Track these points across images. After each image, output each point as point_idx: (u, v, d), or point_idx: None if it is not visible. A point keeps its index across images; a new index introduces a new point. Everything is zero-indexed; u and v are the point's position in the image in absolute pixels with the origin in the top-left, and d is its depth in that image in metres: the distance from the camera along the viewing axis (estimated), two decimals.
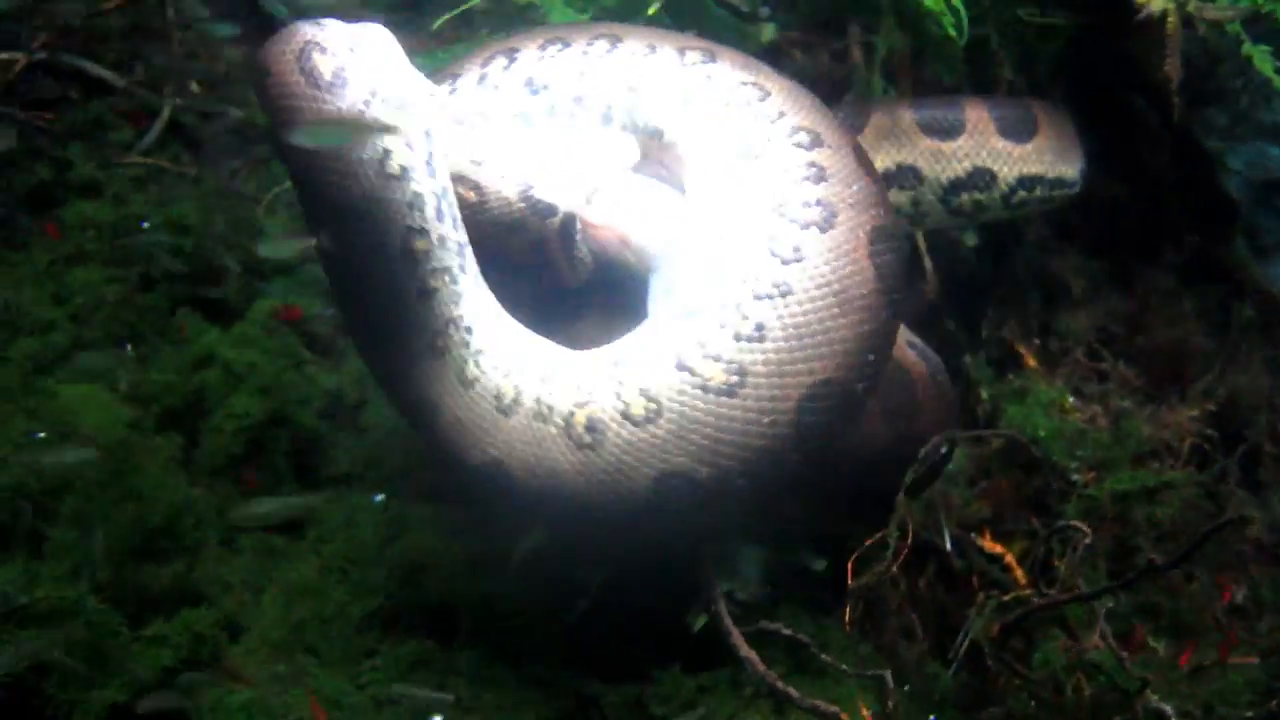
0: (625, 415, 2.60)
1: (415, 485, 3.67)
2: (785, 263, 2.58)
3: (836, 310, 2.58)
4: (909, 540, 3.14)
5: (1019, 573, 3.49)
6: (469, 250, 2.78)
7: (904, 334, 3.23)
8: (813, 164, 2.67)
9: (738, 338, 2.56)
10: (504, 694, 3.12)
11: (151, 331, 3.87)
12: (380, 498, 3.65)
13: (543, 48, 2.91)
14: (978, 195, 3.56)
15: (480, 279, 2.80)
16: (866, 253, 2.61)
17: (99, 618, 2.94)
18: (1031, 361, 3.97)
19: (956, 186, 3.54)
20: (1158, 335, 3.94)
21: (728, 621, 3.01)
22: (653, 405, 2.58)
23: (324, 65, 2.43)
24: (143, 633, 2.96)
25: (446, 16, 3.59)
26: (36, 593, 2.94)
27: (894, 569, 3.18)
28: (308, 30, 2.49)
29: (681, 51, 2.85)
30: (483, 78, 2.91)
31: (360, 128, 2.41)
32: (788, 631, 3.07)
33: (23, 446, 3.24)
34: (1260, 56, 3.47)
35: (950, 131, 3.52)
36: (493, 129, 2.87)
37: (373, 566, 3.40)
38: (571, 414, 2.64)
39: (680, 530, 2.90)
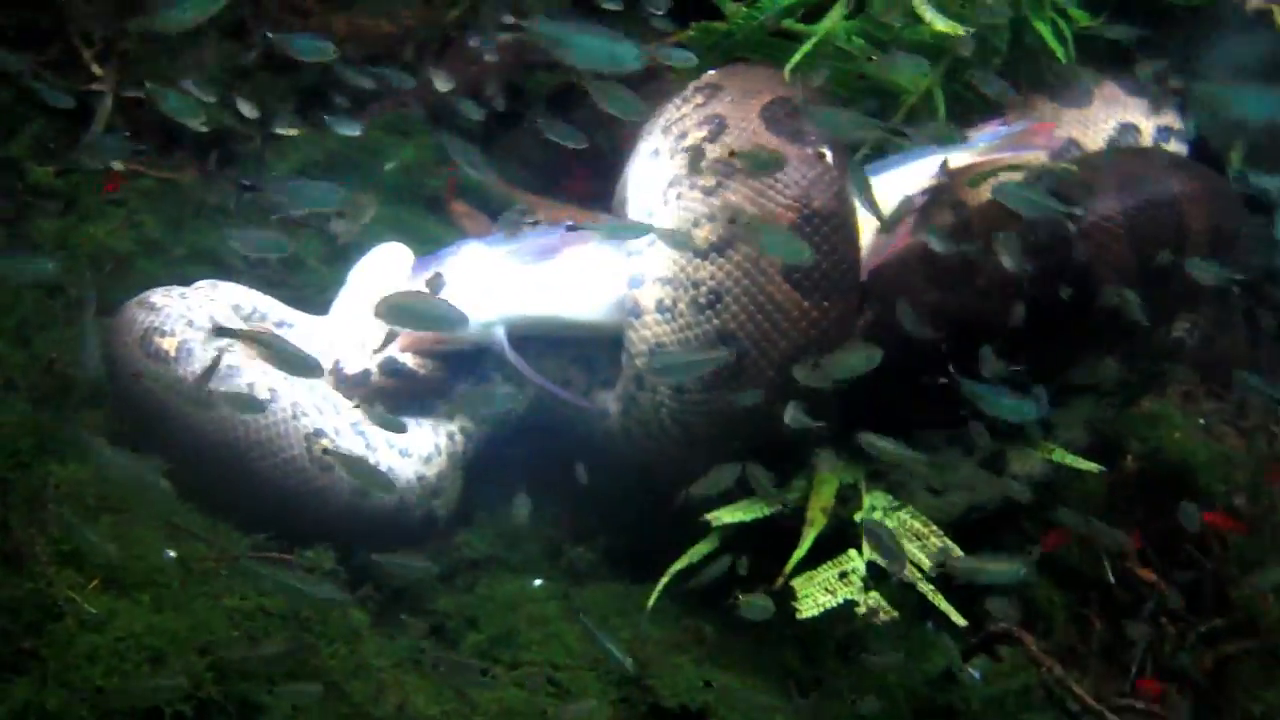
0: None
1: (565, 566, 3.12)
2: None
3: None
4: None
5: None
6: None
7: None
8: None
9: None
10: None
11: None
12: (539, 582, 3.04)
13: None
14: None
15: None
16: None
17: None
18: None
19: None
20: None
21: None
22: None
23: (167, 344, 2.76)
24: None
25: None
26: None
27: None
28: (142, 316, 2.79)
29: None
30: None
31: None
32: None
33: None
34: None
35: (1084, 102, 3.50)
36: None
37: (581, 670, 2.79)
38: None
39: None
